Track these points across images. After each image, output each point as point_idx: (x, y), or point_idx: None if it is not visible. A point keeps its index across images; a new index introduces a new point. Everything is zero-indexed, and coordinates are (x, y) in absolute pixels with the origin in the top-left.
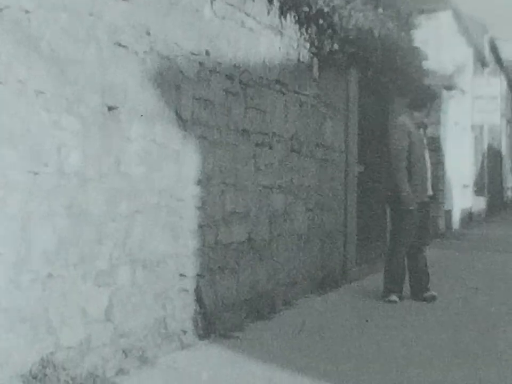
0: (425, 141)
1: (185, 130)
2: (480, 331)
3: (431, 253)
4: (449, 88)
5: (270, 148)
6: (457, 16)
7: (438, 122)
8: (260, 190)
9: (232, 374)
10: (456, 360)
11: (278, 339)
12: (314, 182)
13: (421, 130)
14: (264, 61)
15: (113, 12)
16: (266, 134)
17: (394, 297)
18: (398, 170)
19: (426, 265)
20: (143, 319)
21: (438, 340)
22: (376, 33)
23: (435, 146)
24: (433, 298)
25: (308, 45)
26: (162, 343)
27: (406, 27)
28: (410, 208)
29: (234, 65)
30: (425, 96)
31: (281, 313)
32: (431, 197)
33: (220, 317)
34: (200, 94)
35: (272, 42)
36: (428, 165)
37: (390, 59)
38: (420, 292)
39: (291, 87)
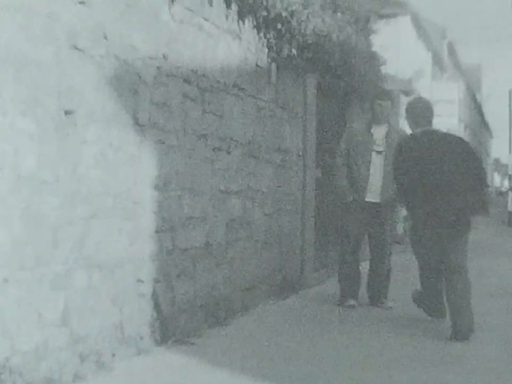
0: (380, 146)
1: (142, 135)
2: (437, 337)
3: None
4: (408, 92)
5: (228, 153)
6: (416, 21)
7: (396, 127)
8: (217, 195)
9: (188, 379)
10: (415, 365)
11: (235, 345)
12: (271, 187)
13: (371, 135)
14: (222, 66)
15: (70, 14)
16: (223, 138)
17: (351, 302)
18: (335, 168)
19: (386, 274)
20: (99, 324)
21: (397, 345)
22: (334, 38)
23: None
24: (388, 308)
25: (266, 49)
26: (119, 348)
27: (365, 32)
28: (346, 200)
29: (192, 70)
30: (370, 99)
31: (239, 318)
32: (387, 203)
33: (176, 322)
34: (157, 98)
35: (230, 46)
36: (375, 168)
37: (348, 64)
38: (376, 299)
39: (249, 92)
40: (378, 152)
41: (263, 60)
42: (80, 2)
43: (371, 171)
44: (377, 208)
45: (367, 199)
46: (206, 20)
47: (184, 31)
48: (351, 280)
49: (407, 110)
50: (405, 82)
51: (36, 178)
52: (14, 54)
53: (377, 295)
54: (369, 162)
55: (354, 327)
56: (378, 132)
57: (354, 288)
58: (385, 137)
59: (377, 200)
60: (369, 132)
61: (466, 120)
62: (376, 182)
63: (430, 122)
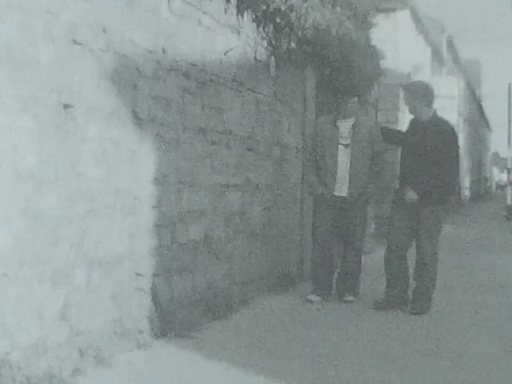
0: (346, 139)
1: (142, 129)
2: (429, 332)
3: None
4: None
5: (227, 147)
6: (415, 15)
7: (396, 121)
8: (216, 189)
9: (188, 373)
10: (410, 360)
11: (234, 339)
12: (270, 181)
13: (337, 128)
14: (221, 60)
15: (70, 10)
16: (223, 132)
17: (312, 297)
18: (305, 164)
19: (354, 268)
20: (99, 319)
21: (387, 341)
22: (333, 32)
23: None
24: (349, 302)
25: (265, 43)
26: (118, 342)
27: (364, 26)
28: (315, 193)
29: (191, 64)
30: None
31: (238, 312)
32: (356, 198)
33: (176, 317)
34: (157, 93)
35: (229, 40)
36: (342, 162)
37: (347, 58)
38: (341, 292)
39: (248, 86)
40: (345, 145)
41: (262, 54)
42: None
43: (338, 164)
44: (345, 203)
45: (335, 193)
46: (205, 13)
47: (183, 25)
48: (318, 273)
49: (405, 94)
50: (404, 76)
51: (35, 176)
52: (13, 51)
53: (341, 288)
54: (336, 155)
55: (352, 321)
56: (345, 125)
57: (321, 283)
58: (352, 130)
59: (343, 194)
60: (335, 125)
61: (465, 115)
62: (343, 175)
63: (430, 104)
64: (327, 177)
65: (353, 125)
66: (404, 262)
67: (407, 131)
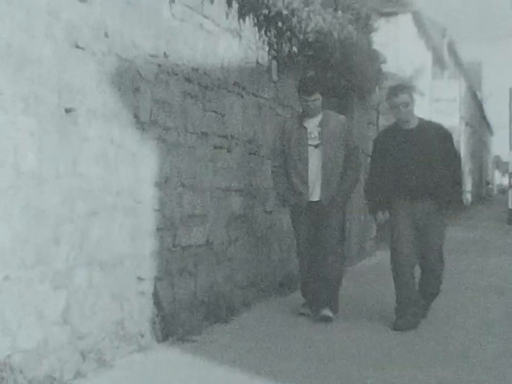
0: (315, 139)
1: (143, 132)
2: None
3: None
4: None
5: (228, 151)
6: (417, 19)
7: None
8: (218, 193)
9: (189, 377)
10: (410, 363)
11: (236, 342)
12: (272, 184)
13: (305, 129)
14: (222, 64)
15: (71, 12)
16: (224, 136)
17: (304, 310)
18: (274, 172)
19: (333, 278)
20: (100, 321)
21: (390, 342)
22: (335, 36)
23: None
24: (326, 319)
25: (266, 47)
26: (119, 345)
27: (365, 30)
28: (289, 205)
29: (193, 68)
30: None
31: (240, 315)
32: (331, 201)
33: (178, 320)
34: (158, 96)
35: (230, 44)
36: (313, 163)
37: (349, 62)
38: (317, 307)
39: (250, 90)
40: (315, 146)
41: (264, 57)
42: (81, 1)
43: (309, 167)
44: (320, 208)
45: (310, 199)
46: (206, 18)
47: (184, 29)
48: (306, 288)
49: (408, 97)
50: (405, 80)
51: (36, 176)
52: (15, 51)
53: (316, 302)
54: (306, 158)
55: (354, 323)
56: (312, 124)
57: (307, 294)
58: (320, 127)
59: (317, 198)
60: (302, 126)
61: (467, 118)
62: (315, 179)
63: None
64: (300, 184)
65: (320, 123)
66: (413, 274)
67: (391, 140)
